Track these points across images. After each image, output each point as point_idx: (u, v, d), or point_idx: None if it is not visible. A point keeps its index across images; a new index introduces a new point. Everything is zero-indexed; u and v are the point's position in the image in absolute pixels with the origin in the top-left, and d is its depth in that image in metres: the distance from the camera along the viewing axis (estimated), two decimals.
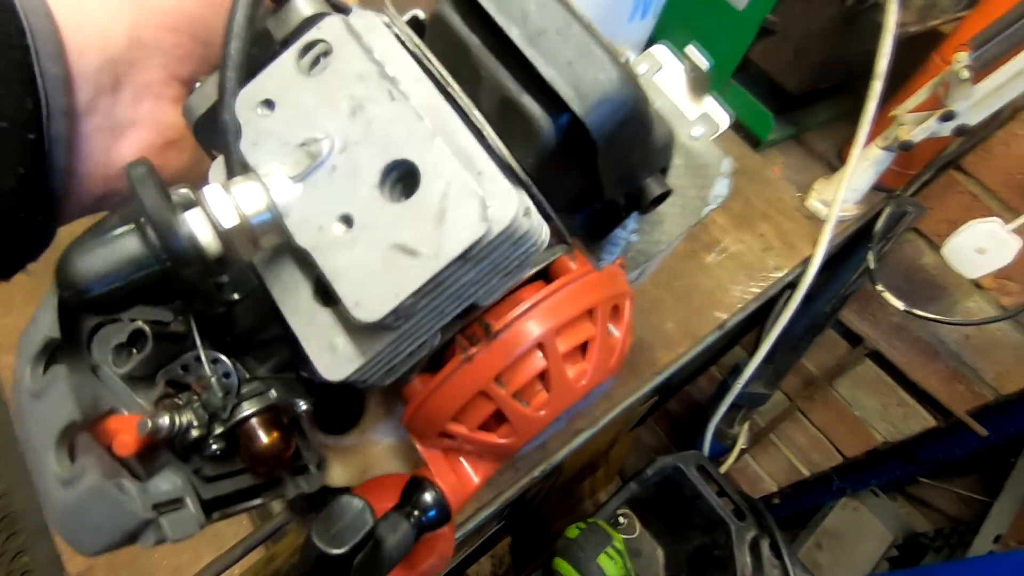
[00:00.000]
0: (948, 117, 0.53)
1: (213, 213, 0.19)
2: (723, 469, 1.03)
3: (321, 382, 0.24)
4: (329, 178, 0.20)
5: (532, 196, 0.22)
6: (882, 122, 0.59)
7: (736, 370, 0.83)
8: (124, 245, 0.19)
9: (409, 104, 0.20)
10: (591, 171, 0.23)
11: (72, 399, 0.21)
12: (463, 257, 0.19)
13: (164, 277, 0.19)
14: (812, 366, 0.98)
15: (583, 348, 0.26)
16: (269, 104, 0.21)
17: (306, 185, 0.21)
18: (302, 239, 0.20)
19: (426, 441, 0.28)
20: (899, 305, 0.68)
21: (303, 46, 0.21)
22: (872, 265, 0.69)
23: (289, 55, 0.21)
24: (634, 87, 0.21)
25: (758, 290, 0.55)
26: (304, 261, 0.22)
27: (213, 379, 0.25)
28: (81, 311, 0.23)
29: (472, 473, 0.29)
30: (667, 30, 0.68)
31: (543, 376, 0.25)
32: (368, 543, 0.21)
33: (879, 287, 0.68)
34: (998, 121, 0.66)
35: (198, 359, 0.25)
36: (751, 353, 0.74)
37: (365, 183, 0.20)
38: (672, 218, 0.31)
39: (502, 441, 0.26)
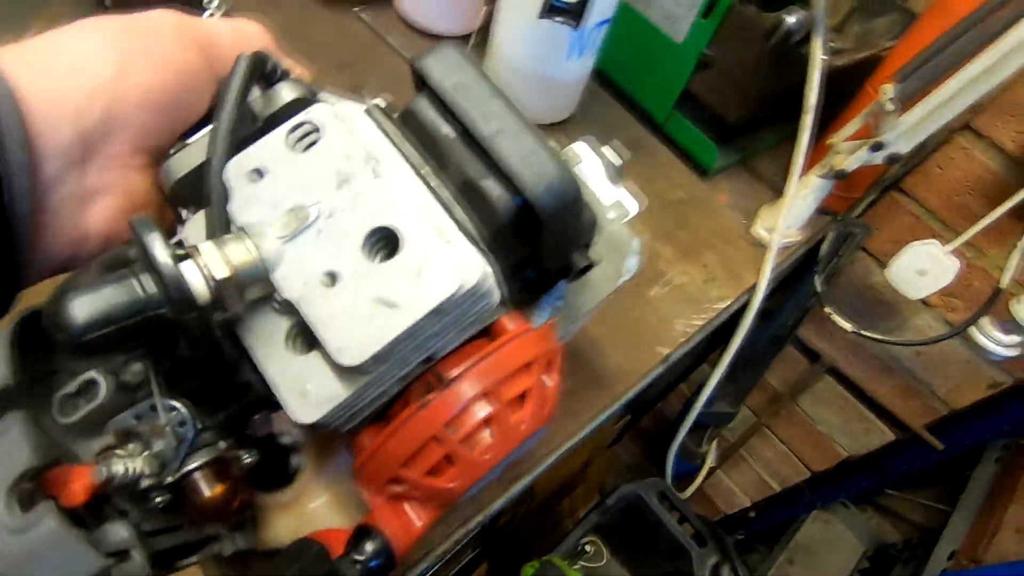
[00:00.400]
0: (878, 147, 0.54)
1: (207, 265, 0.21)
2: (692, 488, 1.03)
3: (262, 436, 0.24)
4: (316, 239, 0.24)
5: (489, 263, 0.26)
6: (822, 149, 0.61)
7: (700, 390, 0.83)
8: (121, 291, 0.20)
9: (391, 181, 0.24)
10: (534, 244, 0.27)
11: (27, 446, 0.21)
12: (436, 311, 0.22)
13: (154, 323, 0.21)
14: (776, 383, 0.99)
15: (521, 398, 0.28)
16: (259, 172, 0.25)
17: (293, 244, 0.24)
18: (288, 292, 0.23)
19: (372, 488, 0.29)
20: (848, 326, 0.69)
21: (293, 126, 0.25)
22: (819, 288, 0.70)
23: (279, 132, 0.25)
24: (572, 177, 0.25)
25: (701, 322, 0.55)
26: (279, 312, 0.24)
27: (168, 428, 0.25)
28: (72, 354, 0.24)
29: (415, 518, 0.29)
30: (611, 65, 0.69)
31: (488, 422, 0.27)
32: None
33: (827, 309, 0.69)
34: (934, 144, 0.68)
35: (153, 408, 0.25)
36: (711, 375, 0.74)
37: (351, 245, 0.23)
38: (594, 287, 0.35)
39: (450, 485, 0.27)
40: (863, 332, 0.68)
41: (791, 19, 0.49)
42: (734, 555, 0.69)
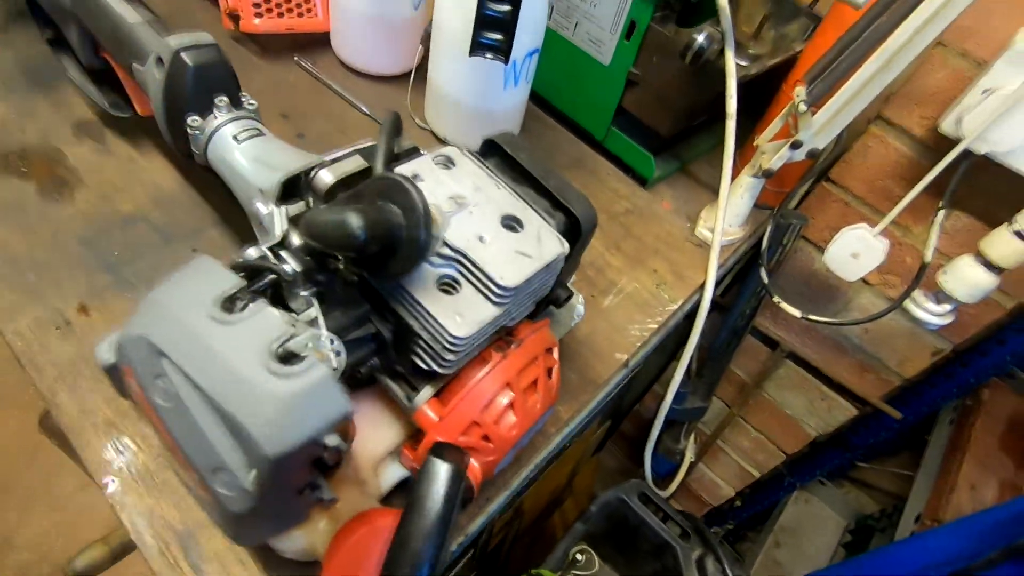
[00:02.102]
0: (797, 145, 0.58)
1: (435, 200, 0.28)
2: (675, 484, 1.06)
3: None
4: (469, 217, 0.33)
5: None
6: (752, 149, 0.65)
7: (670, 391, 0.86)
8: (390, 210, 0.25)
9: (507, 189, 0.35)
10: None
11: (279, 320, 0.24)
12: (548, 266, 0.32)
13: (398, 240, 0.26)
14: (741, 373, 1.02)
15: (548, 373, 0.35)
16: (416, 176, 0.34)
17: (455, 218, 0.32)
18: (458, 243, 0.31)
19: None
20: (796, 312, 0.73)
21: (436, 155, 0.35)
22: (765, 279, 0.73)
23: (426, 158, 0.35)
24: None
25: (655, 325, 0.58)
26: (432, 266, 0.31)
27: (331, 355, 0.27)
28: (324, 256, 0.28)
29: (477, 468, 0.33)
30: (548, 88, 0.72)
31: (535, 383, 0.34)
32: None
33: (776, 298, 0.73)
34: (853, 135, 0.72)
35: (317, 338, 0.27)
36: (695, 383, 0.77)
37: (491, 222, 0.33)
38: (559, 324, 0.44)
39: (512, 433, 0.33)
40: (809, 317, 0.72)
41: (700, 37, 0.53)
42: (716, 546, 0.72)
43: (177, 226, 0.52)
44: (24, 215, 0.50)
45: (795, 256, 0.84)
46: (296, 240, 0.27)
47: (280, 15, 0.70)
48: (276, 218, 0.31)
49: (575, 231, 0.34)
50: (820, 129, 0.57)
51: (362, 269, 0.27)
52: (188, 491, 0.35)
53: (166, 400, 0.22)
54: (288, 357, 0.22)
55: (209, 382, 0.20)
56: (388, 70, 0.73)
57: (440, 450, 0.26)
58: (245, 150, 0.39)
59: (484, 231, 0.31)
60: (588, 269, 0.61)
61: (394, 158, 0.31)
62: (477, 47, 0.52)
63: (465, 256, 0.29)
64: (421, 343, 0.28)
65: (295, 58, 0.72)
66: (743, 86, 0.60)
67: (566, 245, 0.34)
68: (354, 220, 0.22)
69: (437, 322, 0.27)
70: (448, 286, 0.29)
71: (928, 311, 0.68)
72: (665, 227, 0.68)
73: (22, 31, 0.63)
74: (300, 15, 0.71)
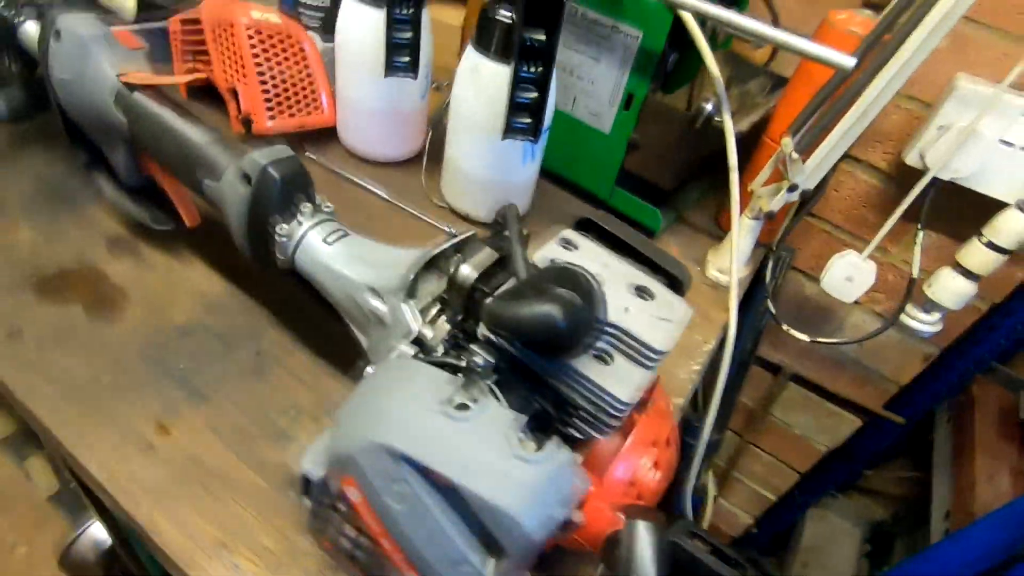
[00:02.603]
0: (793, 188, 0.65)
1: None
2: (706, 520, 1.07)
3: None
4: (608, 291, 0.32)
5: None
6: (744, 195, 0.71)
7: (688, 426, 0.89)
8: (577, 298, 0.26)
9: (628, 265, 0.37)
10: None
11: (508, 411, 0.26)
12: (686, 325, 0.35)
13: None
14: (749, 401, 1.07)
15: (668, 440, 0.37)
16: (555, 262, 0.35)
17: None
18: (608, 318, 0.32)
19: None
20: (804, 337, 0.79)
21: (558, 241, 0.37)
22: (773, 310, 0.79)
23: (552, 245, 0.37)
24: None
25: (698, 367, 0.61)
26: None
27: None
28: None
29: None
30: (555, 160, 0.78)
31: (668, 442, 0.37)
32: None
33: (784, 326, 0.79)
34: (828, 173, 0.81)
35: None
36: (700, 415, 0.80)
37: (625, 293, 0.35)
38: None
39: (662, 487, 0.35)
40: (818, 340, 0.78)
41: (708, 106, 0.60)
42: (772, 572, 0.73)
43: (235, 331, 0.52)
44: (78, 339, 0.49)
45: (787, 285, 0.91)
46: (480, 332, 0.28)
47: (292, 114, 0.72)
48: (407, 313, 0.33)
49: (678, 292, 0.37)
50: (812, 172, 0.64)
51: (540, 354, 0.29)
52: None
53: (401, 503, 0.23)
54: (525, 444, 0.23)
55: (466, 479, 0.22)
56: (396, 156, 0.76)
57: (633, 512, 0.28)
58: (338, 251, 0.40)
59: (625, 303, 0.33)
60: None
61: (526, 244, 0.34)
62: (510, 131, 0.57)
63: (618, 328, 0.31)
64: (582, 414, 0.30)
65: (306, 152, 0.75)
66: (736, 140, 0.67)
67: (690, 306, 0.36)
68: (557, 312, 0.24)
69: (604, 391, 0.29)
70: (601, 358, 0.31)
71: (921, 321, 0.75)
72: None
73: (34, 155, 0.63)
74: (309, 112, 0.74)
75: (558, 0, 0.50)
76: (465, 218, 0.71)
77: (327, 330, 0.54)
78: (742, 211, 0.72)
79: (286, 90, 0.71)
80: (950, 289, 0.71)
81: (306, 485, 0.26)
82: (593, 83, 0.69)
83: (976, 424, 0.82)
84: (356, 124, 0.74)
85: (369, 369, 0.41)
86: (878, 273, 0.74)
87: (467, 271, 0.31)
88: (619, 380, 0.29)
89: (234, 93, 0.71)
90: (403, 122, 0.73)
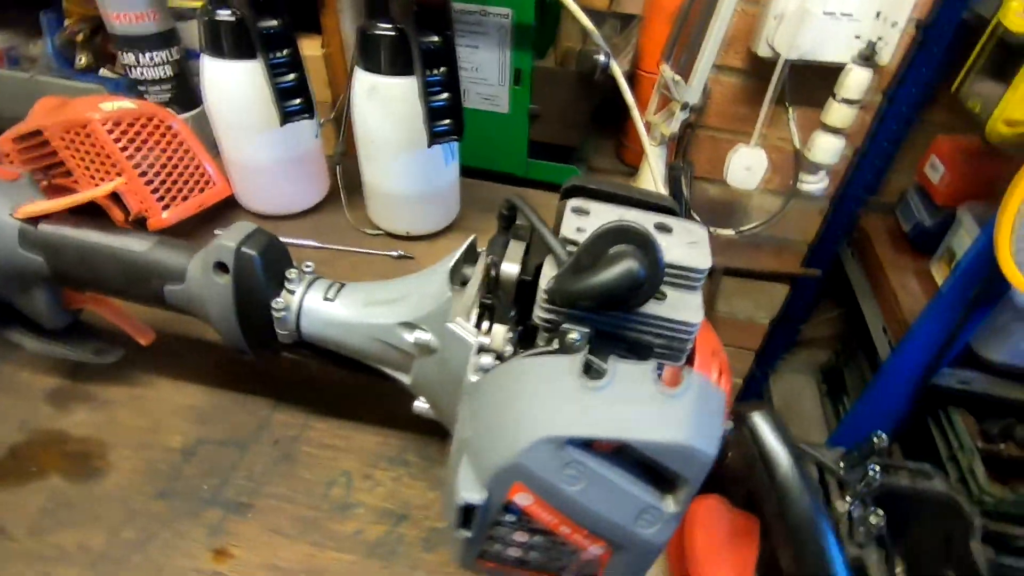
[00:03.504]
0: (686, 107, 0.71)
1: None
2: None
3: None
4: None
5: None
6: (632, 130, 0.77)
7: None
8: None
9: (635, 210, 0.36)
10: None
11: (637, 362, 0.27)
12: None
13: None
14: None
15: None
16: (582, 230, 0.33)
17: None
18: None
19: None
20: (730, 231, 0.87)
21: (572, 210, 0.35)
22: (697, 218, 0.87)
23: (571, 217, 0.34)
24: None
25: None
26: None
27: None
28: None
29: None
30: (465, 154, 0.78)
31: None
32: None
33: (712, 229, 0.87)
34: None
35: None
36: None
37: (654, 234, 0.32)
38: None
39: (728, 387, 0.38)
40: (741, 229, 0.87)
41: (601, 57, 0.63)
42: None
43: (240, 429, 0.49)
44: (74, 509, 0.43)
45: (695, 193, 1.00)
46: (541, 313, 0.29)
47: (185, 198, 0.67)
48: (461, 330, 0.33)
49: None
50: (694, 88, 0.71)
51: (618, 311, 0.30)
52: None
53: (577, 483, 0.24)
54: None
55: (636, 433, 0.23)
56: (309, 202, 0.73)
57: (741, 409, 0.31)
58: (345, 303, 0.39)
59: (660, 241, 0.35)
60: None
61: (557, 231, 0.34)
62: (435, 136, 0.57)
63: (668, 264, 0.32)
64: (656, 351, 0.32)
65: (216, 232, 0.69)
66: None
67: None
68: (635, 265, 0.26)
69: (675, 321, 0.31)
70: (655, 296, 0.33)
71: (812, 183, 0.86)
72: None
73: None
74: (202, 189, 0.69)
75: (444, 2, 0.50)
76: (406, 236, 0.70)
77: (332, 390, 0.52)
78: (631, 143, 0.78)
79: (170, 175, 0.66)
80: (824, 148, 0.82)
81: (466, 516, 0.26)
82: (478, 69, 0.71)
83: (876, 248, 0.96)
84: (256, 184, 0.70)
85: (420, 404, 0.41)
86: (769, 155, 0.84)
87: (510, 268, 0.32)
88: (683, 307, 0.31)
89: (114, 197, 0.64)
90: (305, 166, 0.70)
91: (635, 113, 0.70)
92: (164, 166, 0.65)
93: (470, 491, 0.25)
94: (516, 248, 0.34)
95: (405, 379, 0.40)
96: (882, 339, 0.89)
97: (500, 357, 0.31)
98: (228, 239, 0.38)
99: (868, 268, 0.98)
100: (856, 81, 0.76)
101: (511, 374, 0.27)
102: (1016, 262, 0.60)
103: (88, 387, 0.51)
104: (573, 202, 0.34)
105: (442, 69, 0.55)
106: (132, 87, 0.79)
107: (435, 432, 0.48)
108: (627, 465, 0.25)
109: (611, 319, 0.31)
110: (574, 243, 0.32)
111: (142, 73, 0.74)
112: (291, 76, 0.58)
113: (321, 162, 0.73)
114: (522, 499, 0.25)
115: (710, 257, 0.32)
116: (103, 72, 0.88)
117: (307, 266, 0.42)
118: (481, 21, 0.66)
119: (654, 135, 0.76)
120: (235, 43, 0.59)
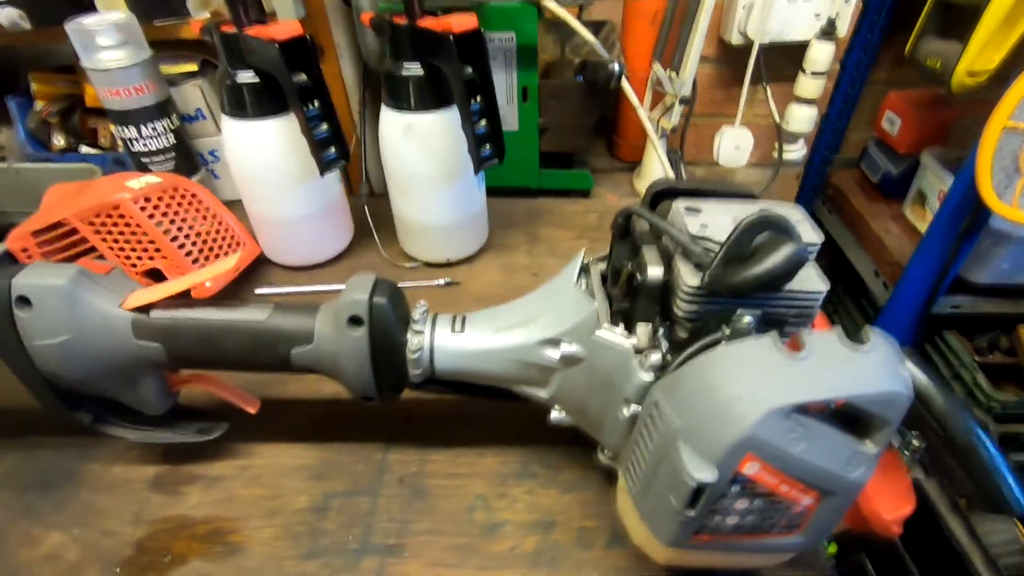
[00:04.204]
0: (684, 100, 0.77)
1: None
2: None
3: None
4: None
5: None
6: (637, 124, 0.82)
7: None
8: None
9: (731, 202, 0.39)
10: None
11: (829, 332, 0.30)
12: None
13: None
14: None
15: None
16: (705, 227, 0.36)
17: None
18: None
19: None
20: None
21: (686, 211, 0.37)
22: None
23: (687, 217, 0.37)
24: None
25: None
26: None
27: None
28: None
29: None
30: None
31: None
32: None
33: None
34: None
35: None
36: None
37: None
38: None
39: None
40: None
41: (615, 66, 0.67)
42: None
43: (362, 478, 0.49)
44: None
45: (689, 176, 1.06)
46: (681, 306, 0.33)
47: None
48: (614, 337, 0.36)
49: None
50: (686, 81, 0.76)
51: (771, 292, 0.34)
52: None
53: (800, 444, 0.27)
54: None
55: (850, 390, 0.26)
56: (342, 246, 0.74)
57: None
58: (475, 333, 0.41)
59: None
60: None
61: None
62: (481, 162, 0.59)
63: None
64: (791, 319, 0.36)
65: (256, 292, 0.69)
66: None
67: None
68: (795, 248, 0.29)
69: (808, 292, 0.35)
70: None
71: (792, 151, 0.93)
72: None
73: (15, 459, 0.51)
74: (235, 251, 0.68)
75: (478, 36, 0.53)
76: (446, 263, 0.72)
77: (437, 420, 0.53)
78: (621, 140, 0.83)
79: (204, 243, 0.65)
80: (800, 118, 0.90)
81: (694, 497, 0.29)
82: None
83: (851, 199, 1.05)
84: (288, 237, 0.70)
85: (556, 414, 0.43)
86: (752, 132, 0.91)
87: (655, 272, 0.35)
88: (808, 279, 0.35)
89: (152, 274, 0.63)
90: (334, 213, 0.71)
91: (642, 112, 0.75)
92: (199, 235, 0.65)
93: (701, 471, 0.28)
94: (656, 252, 0.37)
95: (542, 393, 0.42)
96: (875, 282, 0.97)
97: (664, 355, 0.34)
98: (358, 293, 0.39)
99: (847, 220, 1.07)
100: (821, 54, 0.84)
101: (715, 362, 0.30)
102: (996, 192, 0.69)
103: (190, 468, 0.51)
104: (682, 203, 0.37)
105: (479, 98, 0.57)
106: (120, 161, 0.77)
107: (550, 442, 0.51)
108: (831, 420, 0.28)
109: (756, 301, 0.34)
110: (704, 239, 0.35)
111: (145, 145, 0.72)
112: (324, 127, 0.59)
113: (346, 206, 0.74)
114: (751, 468, 0.28)
115: (820, 231, 0.36)
116: (84, 150, 0.85)
117: (421, 304, 0.44)
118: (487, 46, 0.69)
119: (656, 128, 0.81)
120: (257, 102, 0.60)
